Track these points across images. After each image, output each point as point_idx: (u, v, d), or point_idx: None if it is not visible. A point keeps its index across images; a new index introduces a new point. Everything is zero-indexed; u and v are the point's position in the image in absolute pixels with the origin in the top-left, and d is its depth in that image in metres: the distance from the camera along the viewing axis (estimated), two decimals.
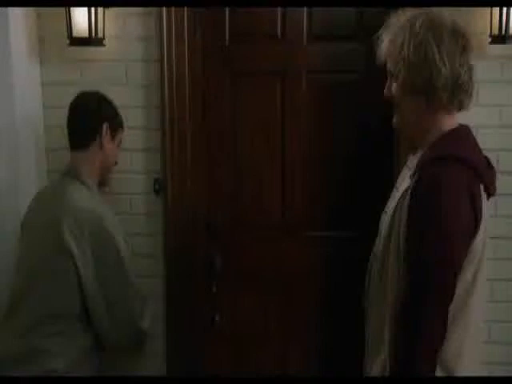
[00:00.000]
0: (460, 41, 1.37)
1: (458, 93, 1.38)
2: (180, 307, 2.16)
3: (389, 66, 1.44)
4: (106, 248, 1.73)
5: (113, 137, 1.88)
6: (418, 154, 1.44)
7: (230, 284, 2.23)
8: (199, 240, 2.20)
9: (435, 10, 1.43)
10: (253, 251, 2.24)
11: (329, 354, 2.24)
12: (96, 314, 1.73)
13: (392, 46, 1.41)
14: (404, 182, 1.44)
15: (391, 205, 1.47)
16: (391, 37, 1.42)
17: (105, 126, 1.83)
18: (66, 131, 2.03)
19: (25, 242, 1.83)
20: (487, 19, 1.92)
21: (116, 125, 1.89)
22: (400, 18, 1.42)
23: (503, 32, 1.88)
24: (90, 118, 1.84)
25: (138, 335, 1.81)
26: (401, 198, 1.41)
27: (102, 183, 1.93)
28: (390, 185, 1.61)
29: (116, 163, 1.94)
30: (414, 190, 1.34)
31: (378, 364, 1.44)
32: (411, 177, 1.39)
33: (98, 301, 1.72)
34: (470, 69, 1.39)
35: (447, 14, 1.41)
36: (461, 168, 1.32)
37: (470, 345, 1.39)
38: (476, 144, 1.44)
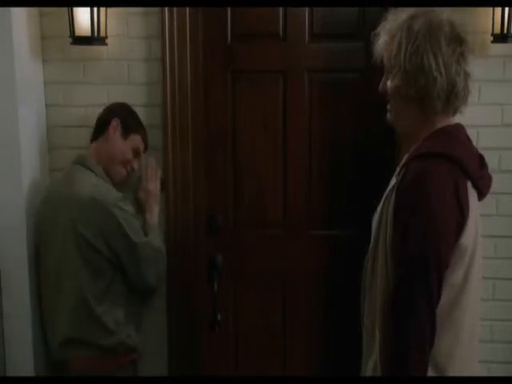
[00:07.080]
0: (458, 48, 1.35)
1: (453, 101, 1.38)
2: (181, 307, 2.16)
3: (385, 62, 1.43)
4: (113, 229, 1.84)
5: (125, 137, 1.95)
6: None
7: (231, 283, 2.24)
8: (200, 239, 2.20)
9: (435, 10, 1.40)
10: (254, 250, 2.24)
11: (330, 353, 2.24)
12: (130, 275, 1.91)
13: (388, 46, 1.40)
14: (392, 180, 1.44)
15: (381, 204, 1.47)
16: (388, 34, 1.40)
17: (114, 121, 1.93)
18: (68, 130, 2.06)
19: (47, 239, 1.91)
20: (489, 18, 1.92)
21: (131, 128, 1.96)
22: (398, 15, 1.40)
23: (505, 31, 1.89)
24: (104, 113, 1.98)
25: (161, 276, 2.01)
26: (387, 196, 1.41)
27: (107, 174, 1.97)
28: None
29: (132, 169, 2.00)
30: (398, 188, 1.34)
31: (370, 364, 1.44)
32: (397, 175, 1.39)
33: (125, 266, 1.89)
34: (467, 75, 1.38)
35: (447, 13, 1.39)
36: (444, 163, 1.31)
37: (464, 344, 1.37)
38: (467, 141, 1.44)
